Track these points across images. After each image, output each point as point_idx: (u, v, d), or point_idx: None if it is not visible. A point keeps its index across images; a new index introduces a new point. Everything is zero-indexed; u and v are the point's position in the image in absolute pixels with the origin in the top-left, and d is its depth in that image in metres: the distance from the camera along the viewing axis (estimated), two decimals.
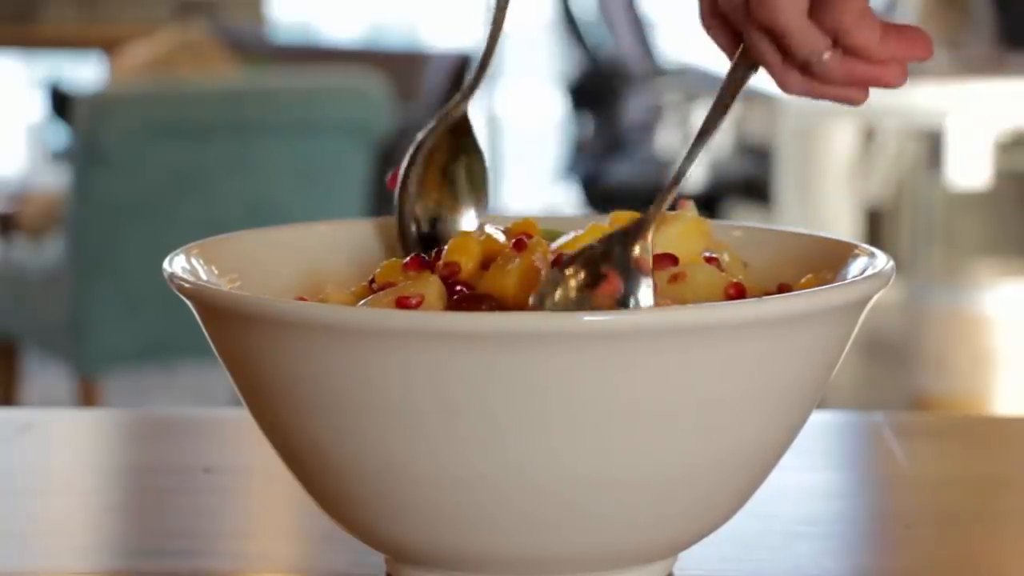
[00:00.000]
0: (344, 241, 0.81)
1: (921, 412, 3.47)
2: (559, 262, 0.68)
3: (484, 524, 0.67)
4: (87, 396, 3.20)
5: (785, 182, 4.39)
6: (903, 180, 4.45)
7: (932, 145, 3.98)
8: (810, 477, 0.91)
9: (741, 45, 0.72)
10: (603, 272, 0.67)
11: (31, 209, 3.55)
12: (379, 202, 3.37)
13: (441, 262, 0.73)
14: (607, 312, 0.65)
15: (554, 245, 0.73)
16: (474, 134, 0.81)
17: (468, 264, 0.73)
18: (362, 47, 5.15)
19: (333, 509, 0.71)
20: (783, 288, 0.75)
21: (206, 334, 0.71)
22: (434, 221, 0.81)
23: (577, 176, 5.29)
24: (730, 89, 0.71)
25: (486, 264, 0.72)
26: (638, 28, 5.32)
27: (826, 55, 0.69)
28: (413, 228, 0.81)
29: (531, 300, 0.68)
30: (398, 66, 4.16)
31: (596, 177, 5.18)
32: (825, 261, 0.76)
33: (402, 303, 0.69)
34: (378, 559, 0.74)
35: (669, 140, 4.98)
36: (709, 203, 4.74)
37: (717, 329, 0.64)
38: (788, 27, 0.69)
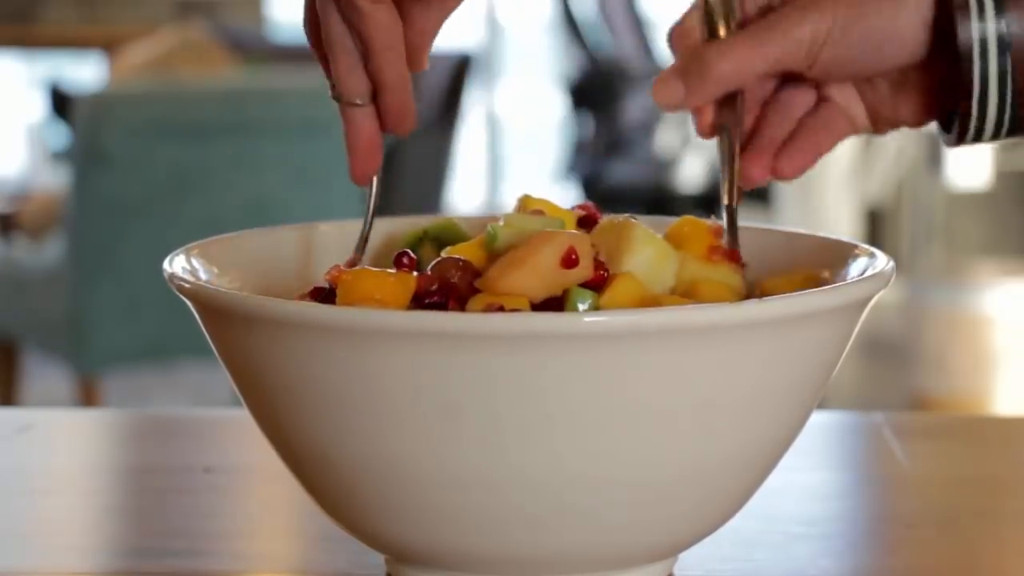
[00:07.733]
0: (344, 241, 0.81)
1: (921, 412, 3.47)
2: None
3: (484, 524, 0.67)
4: (87, 396, 3.20)
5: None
6: (903, 180, 4.45)
7: (932, 145, 3.98)
8: (810, 477, 0.91)
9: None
10: None
11: (31, 209, 3.55)
12: (379, 202, 3.35)
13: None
14: (608, 312, 0.65)
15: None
16: None
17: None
18: None
19: (333, 509, 0.71)
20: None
21: (206, 334, 0.71)
22: None
23: (577, 176, 5.29)
24: None
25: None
26: (638, 28, 5.32)
27: None
28: None
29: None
30: None
31: (596, 177, 5.18)
32: (825, 261, 0.76)
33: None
34: (378, 559, 0.74)
35: (669, 140, 4.98)
36: (709, 203, 4.73)
37: (717, 330, 0.64)
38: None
